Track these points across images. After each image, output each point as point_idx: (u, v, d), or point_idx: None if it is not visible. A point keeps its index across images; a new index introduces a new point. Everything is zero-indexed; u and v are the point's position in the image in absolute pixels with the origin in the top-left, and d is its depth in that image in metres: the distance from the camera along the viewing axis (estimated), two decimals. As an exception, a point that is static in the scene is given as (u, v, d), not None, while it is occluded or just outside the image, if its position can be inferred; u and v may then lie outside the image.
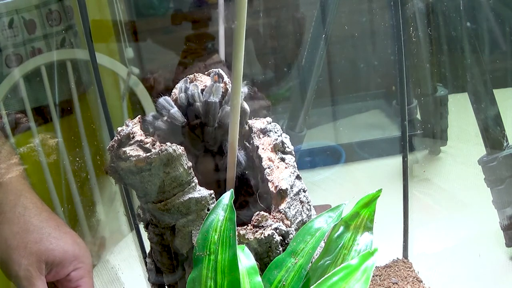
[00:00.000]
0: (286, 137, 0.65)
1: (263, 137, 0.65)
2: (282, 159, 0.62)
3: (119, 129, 0.60)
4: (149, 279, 0.67)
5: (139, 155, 0.56)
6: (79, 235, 0.76)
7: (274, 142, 0.63)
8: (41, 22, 1.25)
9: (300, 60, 1.28)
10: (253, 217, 0.57)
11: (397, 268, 0.92)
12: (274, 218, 0.58)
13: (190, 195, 0.57)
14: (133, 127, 0.60)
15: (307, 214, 0.61)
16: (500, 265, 0.96)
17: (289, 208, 0.59)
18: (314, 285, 0.50)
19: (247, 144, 0.66)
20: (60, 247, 0.71)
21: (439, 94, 1.25)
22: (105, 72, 1.27)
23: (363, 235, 0.57)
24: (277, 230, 0.57)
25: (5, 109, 1.19)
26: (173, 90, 0.66)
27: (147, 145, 0.57)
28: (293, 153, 0.64)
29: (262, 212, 0.57)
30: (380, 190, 0.59)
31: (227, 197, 0.54)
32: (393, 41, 0.84)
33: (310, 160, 1.40)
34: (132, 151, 0.56)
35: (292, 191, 0.60)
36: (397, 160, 0.94)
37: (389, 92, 1.53)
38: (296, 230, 0.58)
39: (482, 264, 0.95)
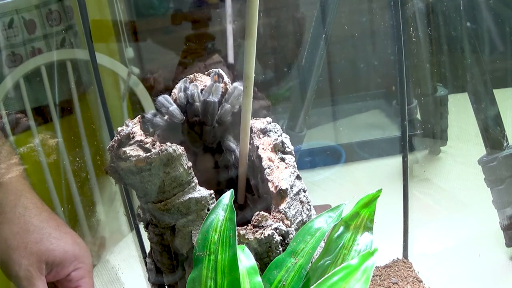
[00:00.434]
0: (286, 137, 0.65)
1: (263, 137, 0.65)
2: (282, 159, 0.63)
3: (119, 129, 0.60)
4: (149, 279, 0.67)
5: (139, 155, 0.56)
6: (79, 235, 0.76)
7: (274, 142, 0.63)
8: (41, 22, 1.25)
9: (300, 60, 1.28)
10: (253, 217, 0.57)
11: (397, 268, 0.92)
12: (274, 218, 0.58)
13: (190, 195, 0.57)
14: (133, 127, 0.60)
15: (307, 214, 0.61)
16: (500, 265, 0.96)
17: (289, 208, 0.59)
18: (314, 285, 0.50)
19: (247, 144, 0.66)
20: (61, 247, 0.71)
21: (439, 94, 1.25)
22: (105, 72, 1.27)
23: (363, 235, 0.57)
24: (277, 230, 0.57)
25: (5, 109, 1.19)
26: (173, 90, 0.66)
27: (147, 145, 0.57)
28: (293, 153, 0.64)
29: (262, 212, 0.57)
30: (380, 190, 0.59)
31: (227, 197, 0.54)
32: (393, 41, 0.84)
33: (310, 160, 1.40)
34: (132, 151, 0.56)
35: (292, 191, 0.60)
36: (397, 160, 0.94)
37: (389, 92, 1.53)
38: (296, 230, 0.58)
39: (482, 264, 0.95)
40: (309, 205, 0.62)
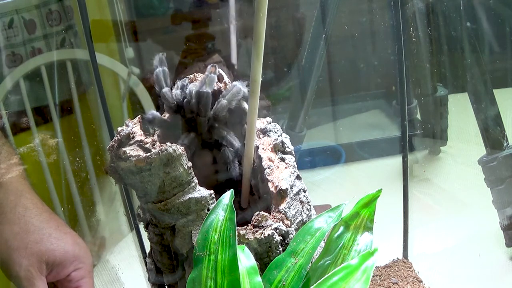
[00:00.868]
0: (286, 137, 0.65)
1: (263, 137, 0.65)
2: (282, 159, 0.62)
3: (119, 129, 0.60)
4: (149, 279, 0.67)
5: (139, 155, 0.56)
6: (79, 235, 0.76)
7: (274, 142, 0.63)
8: (41, 22, 1.25)
9: (300, 60, 1.28)
10: (253, 217, 0.57)
11: (397, 268, 0.92)
12: (274, 218, 0.58)
13: (190, 195, 0.57)
14: (133, 127, 0.60)
15: (307, 214, 0.61)
16: (500, 265, 0.96)
17: (289, 208, 0.59)
18: (314, 285, 0.50)
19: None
20: (61, 248, 0.71)
21: (439, 94, 1.25)
22: (105, 72, 1.27)
23: (363, 235, 0.57)
24: (277, 230, 0.57)
25: (5, 109, 1.19)
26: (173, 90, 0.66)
27: (147, 145, 0.57)
28: (293, 153, 0.64)
29: (262, 212, 0.57)
30: (380, 190, 0.59)
31: (227, 197, 0.54)
32: (393, 41, 0.84)
33: (310, 160, 1.40)
34: (132, 151, 0.56)
35: (292, 191, 0.60)
36: (397, 160, 0.94)
37: (389, 92, 1.53)
38: (296, 230, 0.58)
39: (482, 264, 0.95)
40: (309, 205, 0.62)
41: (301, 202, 0.61)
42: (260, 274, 0.53)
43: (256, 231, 0.56)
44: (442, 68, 1.28)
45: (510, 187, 0.95)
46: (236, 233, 0.52)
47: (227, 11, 1.03)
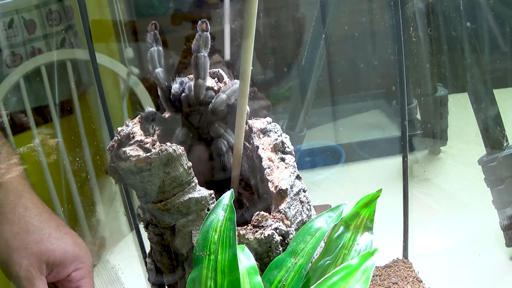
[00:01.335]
0: (286, 137, 0.65)
1: (263, 137, 0.65)
2: (282, 159, 0.62)
3: (119, 129, 0.60)
4: (149, 279, 0.67)
5: (139, 155, 0.56)
6: (79, 235, 0.76)
7: (274, 142, 0.63)
8: (41, 22, 1.25)
9: (300, 60, 1.28)
10: (253, 217, 0.57)
11: (397, 268, 0.92)
12: (274, 218, 0.58)
13: (190, 195, 0.57)
14: (133, 127, 0.60)
15: (307, 214, 0.61)
16: (500, 265, 0.96)
17: (289, 208, 0.59)
18: (314, 285, 0.50)
19: (247, 144, 0.66)
20: (61, 248, 0.71)
21: (439, 94, 1.25)
22: (105, 72, 1.27)
23: (363, 235, 0.57)
24: (277, 230, 0.57)
25: (5, 109, 1.19)
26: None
27: (147, 145, 0.57)
28: (293, 153, 0.64)
29: (262, 212, 0.57)
30: (380, 190, 0.59)
31: (227, 197, 0.54)
32: (393, 41, 0.83)
33: (310, 160, 1.40)
34: (132, 151, 0.56)
35: (292, 191, 0.60)
36: (397, 160, 0.94)
37: (389, 92, 1.53)
38: (296, 230, 0.58)
39: (482, 264, 0.95)
40: (309, 205, 0.62)
41: (301, 202, 0.61)
42: (260, 274, 0.53)
43: (256, 231, 0.56)
44: (442, 68, 1.28)
45: (510, 187, 0.95)
46: (236, 233, 0.52)
47: (231, 11, 1.03)
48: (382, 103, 1.58)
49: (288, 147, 0.64)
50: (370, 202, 0.58)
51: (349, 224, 0.58)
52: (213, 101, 0.62)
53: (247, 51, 0.56)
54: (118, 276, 1.03)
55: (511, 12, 1.17)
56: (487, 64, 0.99)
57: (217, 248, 0.51)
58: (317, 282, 0.50)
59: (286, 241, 0.57)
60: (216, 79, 0.68)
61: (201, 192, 0.57)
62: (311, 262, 0.56)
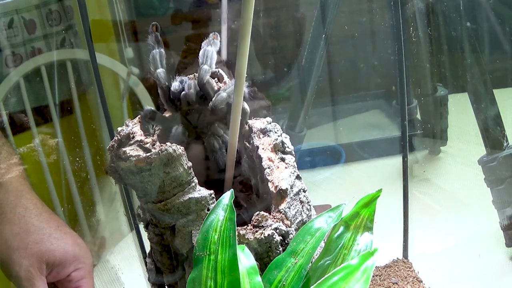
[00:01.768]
0: (286, 137, 0.65)
1: (263, 137, 0.65)
2: (282, 159, 0.62)
3: (119, 129, 0.60)
4: (149, 279, 0.67)
5: (139, 155, 0.56)
6: (79, 235, 0.76)
7: (274, 142, 0.63)
8: (41, 22, 1.25)
9: (300, 60, 1.28)
10: (253, 217, 0.57)
11: (397, 268, 0.92)
12: (274, 218, 0.58)
13: (190, 195, 0.57)
14: (133, 127, 0.60)
15: (307, 214, 0.61)
16: (500, 265, 0.96)
17: (289, 208, 0.59)
18: (314, 285, 0.50)
19: (247, 144, 0.66)
20: (61, 248, 0.71)
21: (439, 94, 1.25)
22: (105, 72, 1.27)
23: (363, 235, 0.57)
24: (277, 230, 0.57)
25: (5, 109, 1.19)
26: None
27: (147, 145, 0.57)
28: (293, 153, 0.64)
29: (262, 212, 0.57)
30: (380, 190, 0.59)
31: (227, 197, 0.54)
32: (393, 41, 0.83)
33: (310, 160, 1.40)
34: (132, 151, 0.56)
35: (292, 191, 0.60)
36: (397, 160, 0.94)
37: (389, 92, 1.53)
38: (296, 230, 0.58)
39: (482, 264, 0.95)
40: (309, 205, 0.62)
41: (301, 202, 0.61)
42: (260, 274, 0.53)
43: (256, 231, 0.56)
44: (442, 68, 1.28)
45: (510, 187, 0.95)
46: (236, 233, 0.52)
47: (229, 11, 1.03)
48: (382, 103, 1.58)
49: (288, 147, 0.64)
50: (370, 202, 0.58)
51: (349, 224, 0.58)
52: (213, 99, 0.62)
53: (243, 49, 0.56)
54: (118, 276, 1.03)
55: (511, 12, 1.16)
56: (487, 64, 0.99)
57: (217, 248, 0.51)
58: (317, 282, 0.50)
59: (286, 241, 0.57)
60: (216, 79, 0.68)
61: (201, 192, 0.57)
62: (311, 262, 0.56)
